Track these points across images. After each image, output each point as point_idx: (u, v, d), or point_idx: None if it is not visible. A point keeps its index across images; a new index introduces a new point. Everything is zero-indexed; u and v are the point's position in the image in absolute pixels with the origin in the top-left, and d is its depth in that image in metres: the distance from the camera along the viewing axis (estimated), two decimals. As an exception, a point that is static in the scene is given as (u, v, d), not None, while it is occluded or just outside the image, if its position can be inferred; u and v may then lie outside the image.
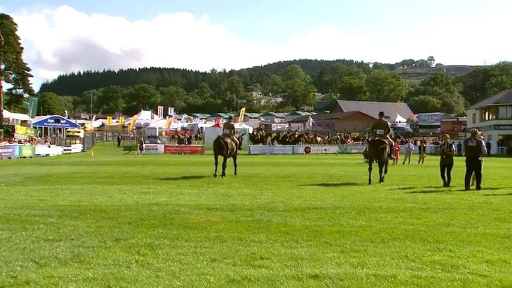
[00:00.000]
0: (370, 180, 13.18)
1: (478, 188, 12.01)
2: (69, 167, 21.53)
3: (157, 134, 53.80)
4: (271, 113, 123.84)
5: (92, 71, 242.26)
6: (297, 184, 13.10)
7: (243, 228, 6.39)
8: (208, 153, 33.71)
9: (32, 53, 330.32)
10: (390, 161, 15.91)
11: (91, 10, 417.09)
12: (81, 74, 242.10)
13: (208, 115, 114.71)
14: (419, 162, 25.92)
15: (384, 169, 13.93)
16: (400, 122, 73.53)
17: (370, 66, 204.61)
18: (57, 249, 5.12)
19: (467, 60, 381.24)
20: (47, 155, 37.96)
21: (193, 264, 4.58)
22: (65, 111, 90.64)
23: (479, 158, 12.25)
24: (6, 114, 48.61)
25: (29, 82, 62.63)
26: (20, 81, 60.14)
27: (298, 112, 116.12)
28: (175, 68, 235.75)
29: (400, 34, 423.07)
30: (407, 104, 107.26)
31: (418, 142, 34.22)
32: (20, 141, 38.77)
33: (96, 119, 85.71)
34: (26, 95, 60.92)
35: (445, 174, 12.97)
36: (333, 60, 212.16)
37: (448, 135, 15.25)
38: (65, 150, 42.70)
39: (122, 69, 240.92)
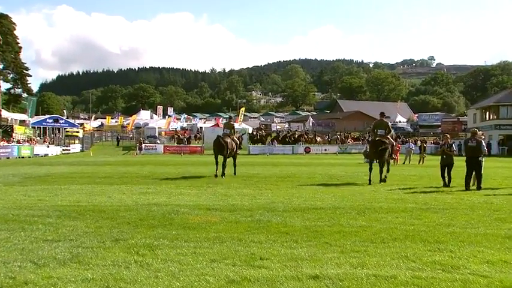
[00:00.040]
0: (370, 180, 13.18)
1: (479, 188, 11.99)
2: (68, 167, 21.51)
3: (156, 134, 53.75)
4: (271, 112, 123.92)
5: (91, 71, 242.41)
6: (297, 184, 13.08)
7: (242, 228, 6.37)
8: (207, 153, 33.73)
9: (31, 52, 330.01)
10: (391, 161, 15.88)
11: (90, 9, 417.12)
12: (80, 73, 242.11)
13: (208, 115, 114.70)
14: (419, 162, 25.92)
15: (385, 169, 13.91)
16: (400, 121, 73.54)
17: (370, 65, 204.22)
18: (56, 249, 5.10)
19: (468, 60, 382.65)
20: (46, 155, 37.92)
21: (193, 264, 4.56)
22: (64, 111, 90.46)
23: (480, 158, 12.23)
24: (4, 114, 48.42)
25: (28, 82, 62.84)
26: (19, 80, 60.25)
27: (298, 112, 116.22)
28: (175, 67, 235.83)
29: (400, 34, 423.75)
30: (407, 104, 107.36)
31: (419, 142, 34.17)
32: (18, 141, 38.68)
33: (95, 118, 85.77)
34: (24, 95, 60.99)
35: (446, 175, 12.95)
36: (333, 60, 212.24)
37: (448, 135, 15.24)
38: (63, 150, 42.68)
39: (121, 69, 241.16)
